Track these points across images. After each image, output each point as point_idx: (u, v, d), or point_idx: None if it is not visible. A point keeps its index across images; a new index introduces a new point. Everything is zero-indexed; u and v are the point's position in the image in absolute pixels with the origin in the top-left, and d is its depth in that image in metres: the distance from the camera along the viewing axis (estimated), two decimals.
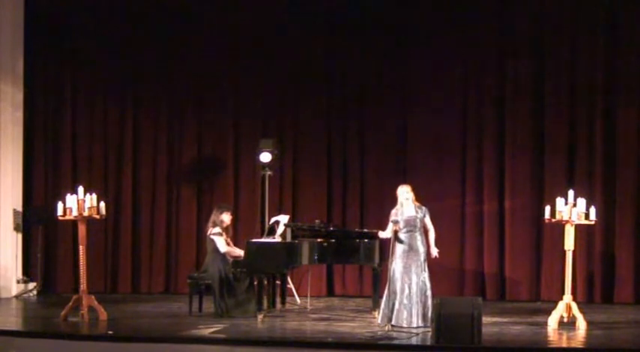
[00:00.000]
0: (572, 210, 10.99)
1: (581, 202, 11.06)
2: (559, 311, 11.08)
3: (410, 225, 11.15)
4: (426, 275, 11.12)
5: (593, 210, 11.18)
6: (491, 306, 12.79)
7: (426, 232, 11.26)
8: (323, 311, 12.67)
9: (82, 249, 11.46)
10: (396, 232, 11.12)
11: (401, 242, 11.10)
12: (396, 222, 11.09)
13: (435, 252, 11.25)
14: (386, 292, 11.07)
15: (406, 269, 11.06)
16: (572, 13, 13.88)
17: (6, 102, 14.45)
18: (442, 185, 14.14)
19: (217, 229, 12.06)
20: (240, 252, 11.98)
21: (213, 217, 12.18)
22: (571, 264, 11.17)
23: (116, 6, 14.86)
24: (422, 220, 11.21)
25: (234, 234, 12.63)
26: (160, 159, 14.91)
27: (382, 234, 11.42)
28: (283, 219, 12.25)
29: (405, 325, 10.88)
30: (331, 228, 12.42)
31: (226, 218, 12.17)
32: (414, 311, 10.95)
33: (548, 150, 13.89)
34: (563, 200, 11.05)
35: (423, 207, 11.29)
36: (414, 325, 10.89)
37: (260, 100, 14.73)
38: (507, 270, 13.95)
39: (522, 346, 10.10)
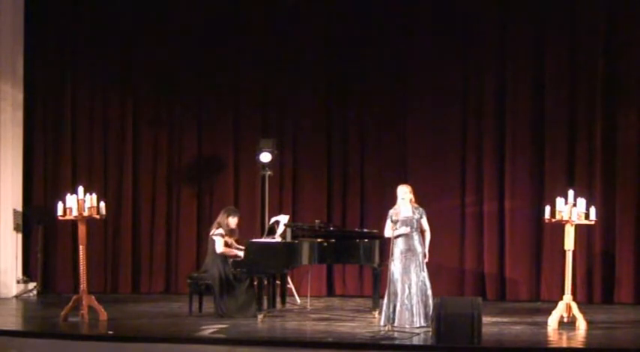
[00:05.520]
0: (572, 210, 10.99)
1: (581, 202, 11.05)
2: (559, 311, 11.08)
3: (406, 225, 11.13)
4: (425, 274, 11.12)
5: (593, 210, 11.18)
6: (491, 306, 12.79)
7: (423, 233, 11.26)
8: (323, 311, 12.67)
9: (82, 249, 11.46)
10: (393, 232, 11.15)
11: (398, 242, 11.09)
12: (395, 222, 11.09)
13: (426, 257, 11.24)
14: (386, 293, 11.06)
15: (405, 270, 11.06)
16: (572, 14, 13.88)
17: (6, 102, 14.46)
18: (442, 185, 14.14)
19: (220, 230, 12.06)
20: (237, 253, 11.99)
21: (219, 218, 12.19)
22: (571, 264, 11.17)
23: (116, 6, 14.86)
24: (418, 221, 11.20)
25: None
26: (159, 159, 14.91)
27: (389, 234, 11.29)
28: (283, 219, 12.25)
29: (407, 326, 10.87)
30: (331, 228, 12.43)
31: (232, 221, 12.17)
32: (416, 311, 10.95)
33: (548, 149, 13.89)
34: (563, 200, 11.04)
35: (420, 208, 11.28)
36: (417, 325, 10.89)
37: (260, 100, 14.73)
38: (507, 270, 13.94)
39: (522, 346, 10.10)
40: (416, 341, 10.20)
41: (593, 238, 13.61)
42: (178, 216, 14.84)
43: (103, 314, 11.50)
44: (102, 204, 11.40)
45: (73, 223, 12.32)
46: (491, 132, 14.08)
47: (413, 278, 11.03)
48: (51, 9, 14.93)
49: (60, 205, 11.38)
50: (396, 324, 10.88)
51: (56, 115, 14.99)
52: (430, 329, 10.46)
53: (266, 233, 12.42)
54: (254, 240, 12.10)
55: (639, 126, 13.65)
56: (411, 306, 10.97)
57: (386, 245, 11.52)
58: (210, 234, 12.16)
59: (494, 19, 14.15)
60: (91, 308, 11.47)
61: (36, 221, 14.62)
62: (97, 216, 11.40)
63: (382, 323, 11.04)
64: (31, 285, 14.57)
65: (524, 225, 13.88)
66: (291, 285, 13.47)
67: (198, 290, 12.14)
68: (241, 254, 11.91)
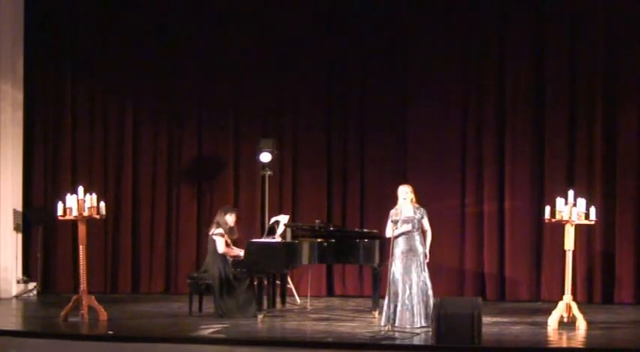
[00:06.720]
0: (572, 210, 10.99)
1: (581, 202, 11.06)
2: (559, 311, 11.08)
3: (407, 224, 11.10)
4: (426, 274, 11.11)
5: (593, 210, 11.18)
6: (491, 306, 12.80)
7: (424, 233, 11.25)
8: (323, 311, 12.67)
9: (82, 249, 11.47)
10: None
11: (399, 242, 11.08)
12: (395, 222, 11.08)
13: (427, 257, 11.23)
14: (387, 294, 11.04)
15: (406, 270, 11.05)
16: (572, 15, 13.88)
17: (6, 102, 14.46)
18: (442, 185, 14.13)
19: (220, 230, 12.06)
20: (238, 253, 12.00)
21: (217, 218, 12.19)
22: (571, 264, 11.17)
23: (116, 6, 14.86)
24: (420, 221, 11.19)
25: None
26: (159, 159, 14.91)
27: (390, 234, 11.27)
28: (283, 219, 12.26)
29: (408, 326, 10.87)
30: (331, 228, 12.42)
31: (230, 219, 12.18)
32: (416, 311, 10.95)
33: (548, 150, 13.89)
34: (563, 200, 11.04)
35: (422, 208, 11.27)
36: (417, 325, 10.89)
37: (260, 101, 14.73)
38: (507, 270, 13.95)
39: (522, 346, 10.10)
40: (416, 341, 10.21)
41: (593, 238, 13.61)
42: (178, 216, 14.84)
43: (103, 314, 11.50)
44: (102, 204, 11.40)
45: (73, 223, 12.32)
46: (491, 132, 14.08)
47: (414, 279, 11.02)
48: (51, 9, 14.92)
49: (60, 205, 11.38)
50: (396, 324, 10.87)
51: (56, 115, 14.99)
52: (430, 329, 10.46)
53: (266, 233, 12.42)
54: (254, 240, 12.10)
55: (639, 126, 13.65)
56: (412, 306, 10.96)
57: (386, 245, 11.50)
58: (210, 233, 12.16)
59: (494, 19, 14.15)
60: (91, 308, 11.47)
61: (36, 221, 14.61)
62: (97, 216, 11.40)
63: (382, 324, 11.03)
64: (31, 285, 14.56)
65: (524, 225, 13.88)
66: (291, 285, 13.47)
67: (198, 290, 12.14)
68: (242, 254, 11.92)
